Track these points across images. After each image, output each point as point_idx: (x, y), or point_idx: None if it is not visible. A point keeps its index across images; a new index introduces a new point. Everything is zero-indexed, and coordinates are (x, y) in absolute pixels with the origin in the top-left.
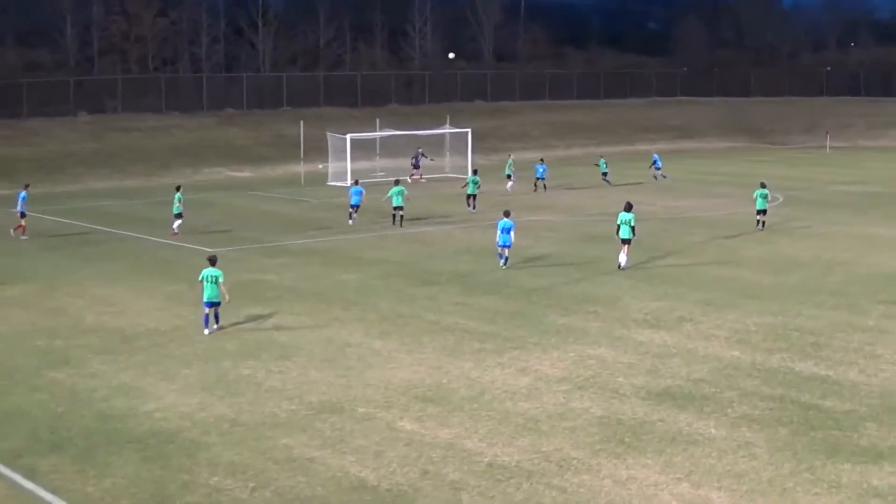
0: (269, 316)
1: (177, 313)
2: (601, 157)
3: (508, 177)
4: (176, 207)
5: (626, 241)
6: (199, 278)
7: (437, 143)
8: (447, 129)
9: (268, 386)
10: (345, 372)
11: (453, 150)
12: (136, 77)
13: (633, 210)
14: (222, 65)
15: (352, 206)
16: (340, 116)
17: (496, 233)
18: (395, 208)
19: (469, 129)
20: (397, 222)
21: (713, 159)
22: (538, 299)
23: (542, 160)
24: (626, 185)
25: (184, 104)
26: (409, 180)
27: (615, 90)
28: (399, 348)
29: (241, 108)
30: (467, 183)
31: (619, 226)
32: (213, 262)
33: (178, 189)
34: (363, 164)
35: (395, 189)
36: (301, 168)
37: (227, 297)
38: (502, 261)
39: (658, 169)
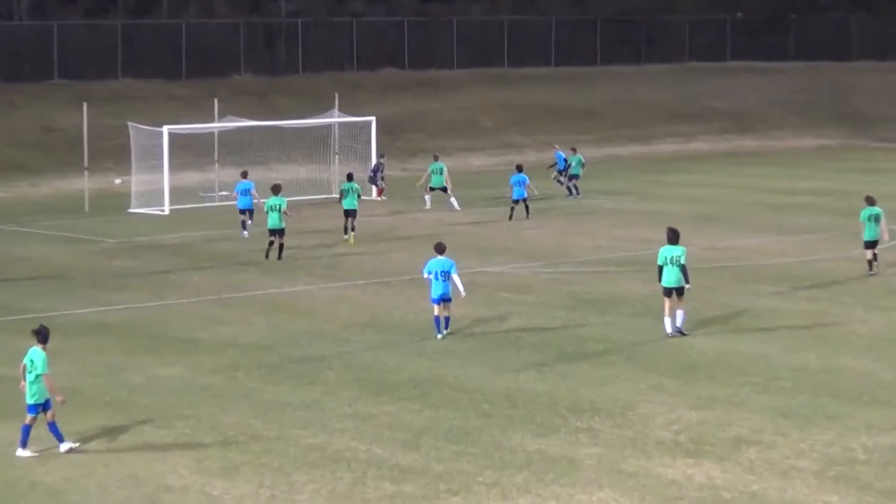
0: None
1: None
2: (573, 150)
3: (433, 189)
4: None
5: (674, 293)
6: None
7: (316, 142)
8: (335, 118)
9: None
10: None
11: (347, 152)
12: None
13: (679, 241)
14: None
15: (241, 211)
16: (152, 94)
17: (426, 280)
18: (272, 232)
19: (373, 118)
20: (273, 254)
21: (789, 168)
22: (495, 407)
23: (519, 168)
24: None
25: None
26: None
27: (620, 51)
28: (254, 494)
29: None
30: (342, 192)
31: (661, 267)
32: (40, 337)
33: None
34: (193, 177)
35: (273, 201)
36: (85, 184)
37: (57, 398)
38: (440, 329)
39: (561, 172)
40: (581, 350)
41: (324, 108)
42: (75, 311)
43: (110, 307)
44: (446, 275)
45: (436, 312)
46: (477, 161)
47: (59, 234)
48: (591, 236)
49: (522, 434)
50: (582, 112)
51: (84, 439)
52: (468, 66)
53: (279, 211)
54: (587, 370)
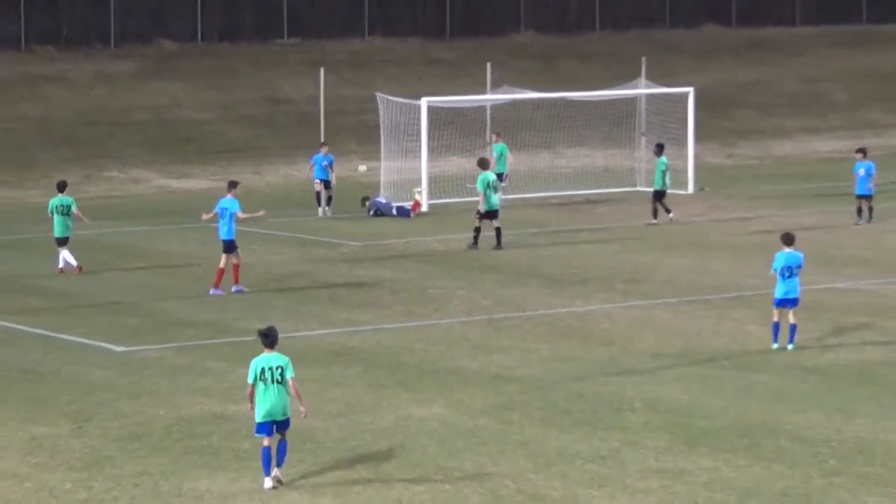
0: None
1: None
2: None
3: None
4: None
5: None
6: (250, 380)
7: (616, 121)
8: (641, 89)
9: None
10: None
11: (655, 132)
12: None
13: None
14: None
15: (317, 181)
16: (407, 58)
17: (774, 276)
18: (487, 214)
19: (690, 89)
20: (497, 242)
21: None
22: (844, 462)
23: (862, 153)
24: None
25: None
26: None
27: None
28: None
29: (186, 40)
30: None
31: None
32: (269, 340)
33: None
34: (458, 164)
35: (488, 176)
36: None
37: (302, 409)
38: (776, 339)
39: None
40: None
41: (627, 77)
42: (308, 333)
43: (352, 328)
44: (793, 271)
45: (775, 318)
46: (825, 145)
47: (286, 234)
48: None
49: (879, 498)
50: None
51: (316, 493)
52: (815, 23)
53: (493, 187)
54: None
